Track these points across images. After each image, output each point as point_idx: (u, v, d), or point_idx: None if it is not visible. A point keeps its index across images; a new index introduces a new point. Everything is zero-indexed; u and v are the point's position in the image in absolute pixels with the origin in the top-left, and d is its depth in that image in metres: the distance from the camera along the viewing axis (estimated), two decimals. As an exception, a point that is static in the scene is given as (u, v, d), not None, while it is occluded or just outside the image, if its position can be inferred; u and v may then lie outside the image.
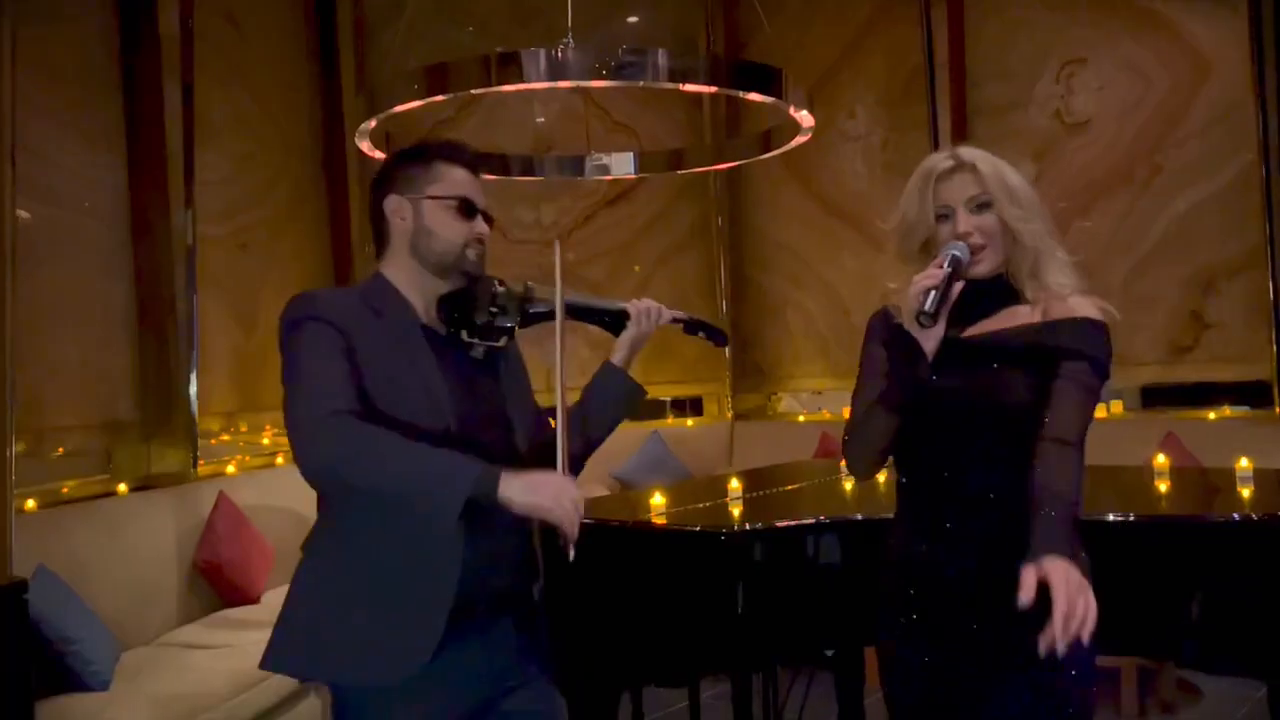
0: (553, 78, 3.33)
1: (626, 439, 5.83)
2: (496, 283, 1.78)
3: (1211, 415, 4.75)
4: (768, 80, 3.46)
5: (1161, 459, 3.01)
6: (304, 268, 5.15)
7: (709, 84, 3.45)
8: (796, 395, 6.42)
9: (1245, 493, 2.66)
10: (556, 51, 3.28)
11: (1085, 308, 1.68)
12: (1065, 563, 1.44)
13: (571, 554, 1.59)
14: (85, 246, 3.97)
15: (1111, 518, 2.38)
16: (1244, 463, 2.73)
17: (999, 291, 1.72)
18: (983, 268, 1.68)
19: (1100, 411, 4.86)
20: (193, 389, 4.24)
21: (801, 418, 6.17)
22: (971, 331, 1.71)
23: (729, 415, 6.29)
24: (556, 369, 1.72)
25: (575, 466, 1.84)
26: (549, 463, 1.70)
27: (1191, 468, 3.77)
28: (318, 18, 5.45)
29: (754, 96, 3.45)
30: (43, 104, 3.79)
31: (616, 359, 1.91)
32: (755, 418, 6.26)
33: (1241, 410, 4.74)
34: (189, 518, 3.80)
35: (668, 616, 2.49)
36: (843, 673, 3.05)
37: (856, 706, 3.05)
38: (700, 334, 2.00)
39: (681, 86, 3.37)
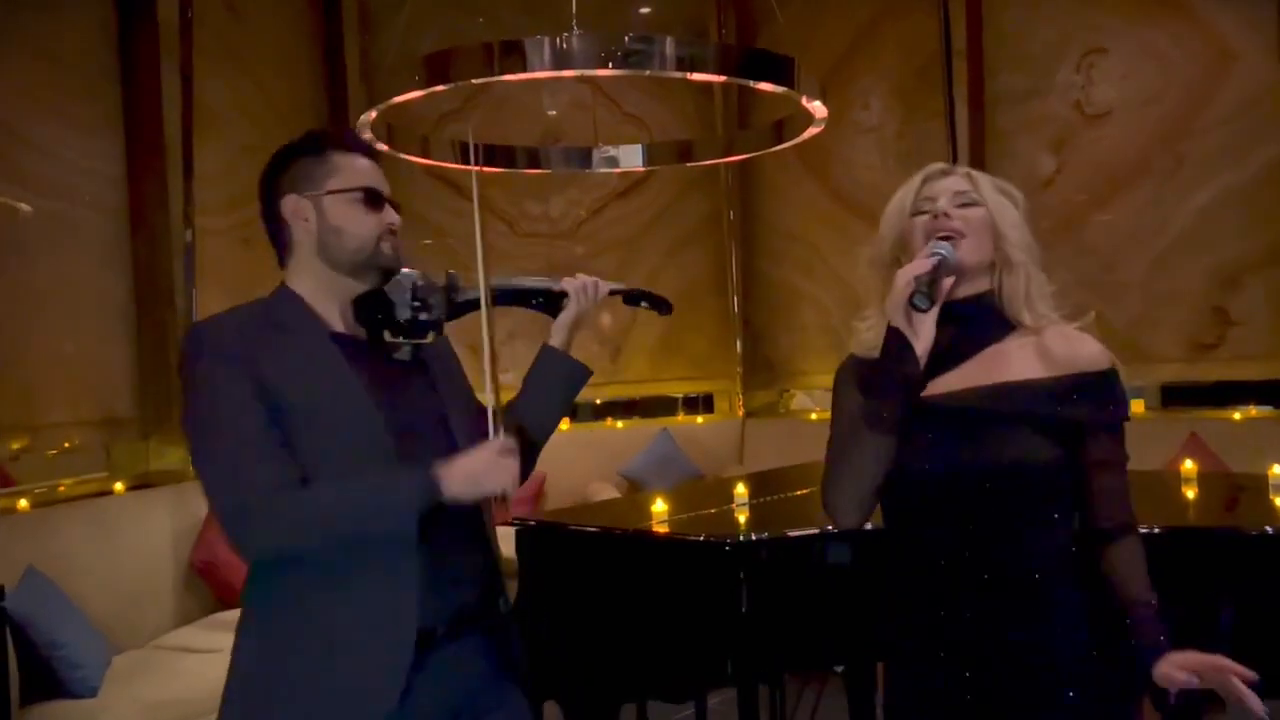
0: (557, 66, 3.23)
1: (635, 437, 5.75)
2: (417, 275, 1.64)
3: (1236, 415, 4.62)
4: (779, 69, 3.35)
5: (1188, 464, 2.89)
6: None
7: (718, 73, 3.33)
8: (810, 392, 6.31)
9: (1279, 501, 2.54)
10: (560, 40, 3.19)
11: (1091, 350, 1.53)
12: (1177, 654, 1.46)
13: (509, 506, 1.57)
14: (82, 239, 3.91)
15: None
16: (1277, 470, 2.61)
17: (984, 319, 1.55)
18: (960, 256, 1.51)
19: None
20: (192, 385, 4.16)
21: (814, 415, 6.06)
22: (965, 383, 1.53)
23: (740, 412, 6.19)
24: (484, 346, 1.57)
25: (524, 465, 1.66)
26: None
27: (1218, 473, 3.65)
28: (322, 4, 5.37)
29: (764, 86, 3.34)
30: (39, 94, 3.72)
31: (555, 341, 1.77)
32: (767, 415, 6.15)
33: (1267, 410, 4.60)
34: (186, 517, 3.73)
35: (670, 629, 2.40)
36: (854, 682, 2.95)
37: (869, 716, 2.95)
38: (643, 304, 1.87)
39: (689, 75, 3.26)
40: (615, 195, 6.05)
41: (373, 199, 1.61)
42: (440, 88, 3.36)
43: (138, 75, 4.10)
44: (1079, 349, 1.52)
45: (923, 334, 1.48)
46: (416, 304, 1.61)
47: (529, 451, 1.70)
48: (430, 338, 1.64)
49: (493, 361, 1.58)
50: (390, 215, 1.63)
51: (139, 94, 4.10)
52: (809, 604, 2.38)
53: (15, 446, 3.58)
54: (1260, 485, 2.67)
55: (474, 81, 3.40)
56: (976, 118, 5.18)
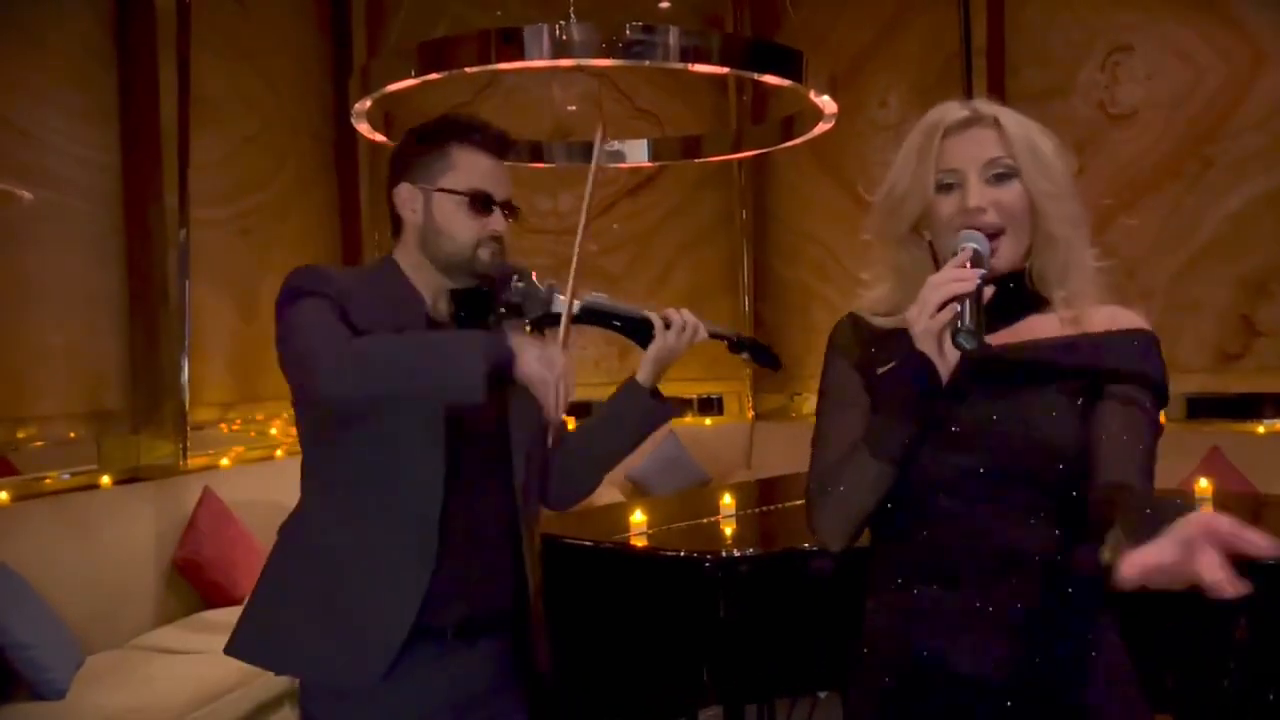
0: (556, 56, 3.14)
1: (641, 438, 5.63)
2: (515, 279, 1.63)
3: (1260, 429, 4.45)
4: (786, 62, 3.24)
5: (1204, 483, 2.75)
6: (310, 254, 4.99)
7: (721, 65, 3.22)
8: (821, 396, 6.17)
9: (1299, 524, 2.40)
10: (559, 29, 3.08)
11: (1130, 317, 1.30)
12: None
13: (553, 435, 1.62)
14: (75, 228, 3.83)
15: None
16: (1298, 490, 2.47)
17: (1017, 295, 1.29)
18: (998, 260, 1.25)
19: (1140, 422, 4.58)
20: (184, 378, 4.09)
21: (825, 419, 5.91)
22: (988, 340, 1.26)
23: (750, 415, 6.06)
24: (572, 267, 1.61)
25: (585, 486, 1.79)
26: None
27: (1239, 492, 3.49)
28: (329, -8, 5.30)
29: (770, 79, 3.22)
30: (32, 81, 3.65)
31: (640, 375, 1.73)
32: (777, 418, 6.02)
33: (1292, 424, 4.44)
34: (171, 514, 3.64)
35: (652, 645, 2.28)
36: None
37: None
38: (745, 355, 1.84)
39: (691, 67, 3.15)
40: (626, 192, 5.95)
41: (480, 204, 1.59)
42: (435, 76, 3.27)
43: (134, 63, 4.02)
44: (1113, 311, 1.31)
45: (952, 358, 1.22)
46: (505, 309, 1.61)
47: (588, 472, 1.76)
48: None
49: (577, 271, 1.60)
50: (495, 222, 1.61)
51: (135, 82, 4.02)
52: (795, 623, 2.25)
53: (20, 436, 3.53)
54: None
55: (469, 70, 3.31)
56: (996, 116, 5.02)
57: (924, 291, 1.19)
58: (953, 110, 1.31)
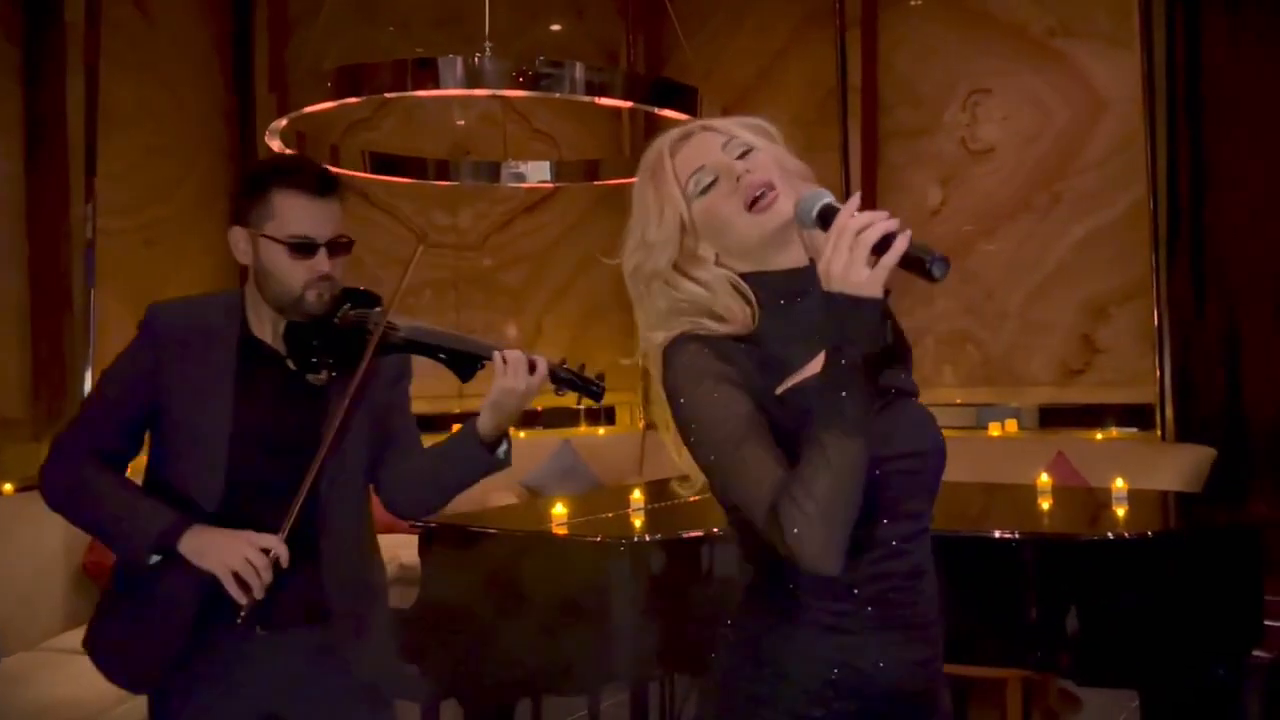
0: (469, 85, 3.34)
1: (537, 447, 5.83)
2: (337, 317, 1.68)
3: (1099, 436, 4.96)
4: (682, 98, 3.52)
5: (1045, 478, 3.14)
6: (214, 265, 5.01)
7: (625, 99, 3.50)
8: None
9: (1120, 512, 2.80)
10: (474, 59, 3.29)
11: None
12: None
13: (240, 618, 1.58)
14: (-23, 236, 3.85)
15: (998, 534, 2.48)
16: (1119, 483, 2.87)
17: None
18: (785, 205, 1.20)
19: (995, 430, 5.06)
20: (87, 387, 4.12)
21: (712, 428, 6.22)
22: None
23: (641, 425, 6.33)
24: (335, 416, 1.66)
25: (426, 505, 1.87)
26: (346, 489, 1.74)
27: (1076, 487, 3.93)
28: (233, 8, 5.35)
29: (668, 113, 3.50)
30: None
31: (480, 421, 1.72)
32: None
33: (1128, 432, 4.95)
34: (80, 519, 3.68)
35: (565, 626, 2.51)
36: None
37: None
38: (563, 390, 1.82)
39: (597, 101, 3.41)
40: (523, 209, 6.15)
41: (301, 249, 1.62)
42: (353, 100, 3.44)
43: (41, 74, 4.06)
44: None
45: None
46: (315, 343, 1.66)
47: (428, 495, 1.83)
48: (323, 375, 1.70)
49: (335, 438, 1.65)
50: (320, 264, 1.63)
51: (42, 93, 4.06)
52: (702, 604, 2.52)
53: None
54: (1105, 498, 2.93)
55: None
56: (869, 150, 5.45)
57: (842, 238, 1.07)
58: (667, 136, 1.31)
